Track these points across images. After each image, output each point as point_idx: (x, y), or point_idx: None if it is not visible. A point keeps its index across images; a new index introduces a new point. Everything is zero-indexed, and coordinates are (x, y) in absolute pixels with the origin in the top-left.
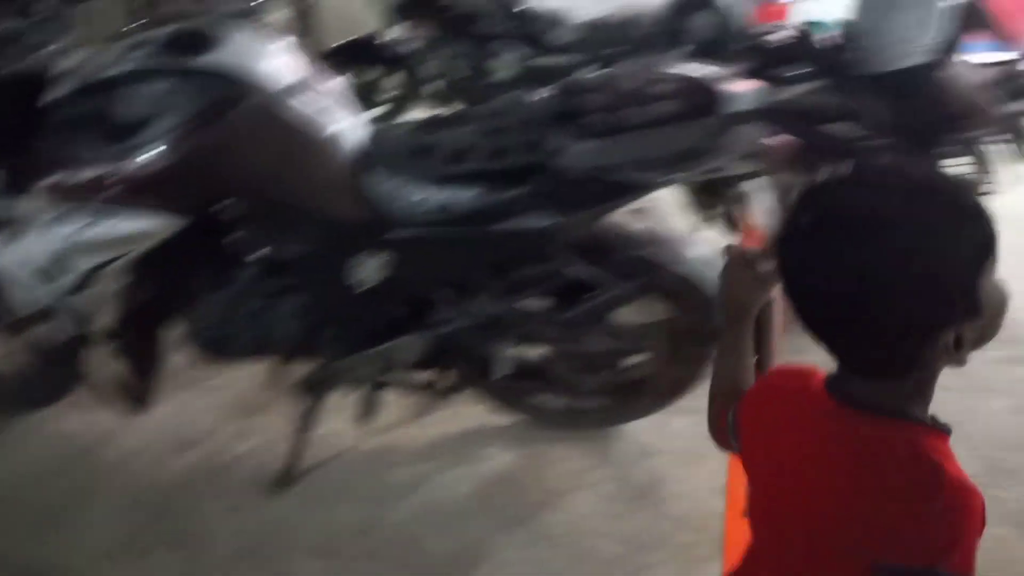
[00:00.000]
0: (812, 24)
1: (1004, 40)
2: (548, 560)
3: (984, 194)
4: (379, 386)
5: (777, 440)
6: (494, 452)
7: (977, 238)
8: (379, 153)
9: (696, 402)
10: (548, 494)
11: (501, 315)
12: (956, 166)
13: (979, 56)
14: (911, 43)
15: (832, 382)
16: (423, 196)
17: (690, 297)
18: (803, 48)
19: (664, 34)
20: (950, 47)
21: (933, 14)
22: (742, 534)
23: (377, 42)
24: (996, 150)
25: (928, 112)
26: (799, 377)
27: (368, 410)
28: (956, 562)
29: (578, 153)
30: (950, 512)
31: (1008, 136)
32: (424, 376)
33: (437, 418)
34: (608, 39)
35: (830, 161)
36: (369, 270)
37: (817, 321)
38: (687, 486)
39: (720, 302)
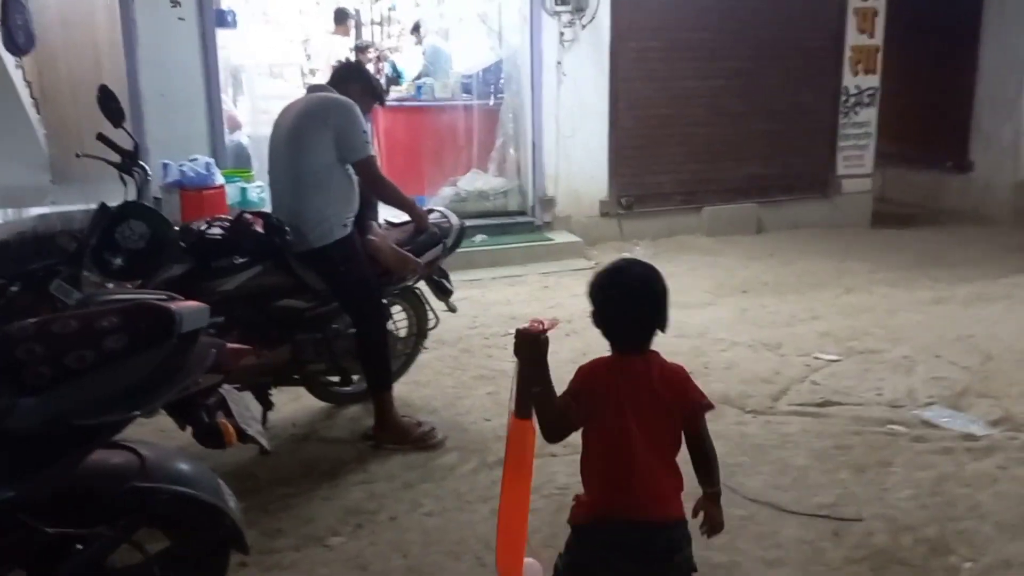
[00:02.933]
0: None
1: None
2: None
3: (430, 328)
4: None
5: (609, 391)
6: None
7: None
8: None
9: None
10: None
11: None
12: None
13: (388, 217)
14: (334, 218)
15: (618, 353)
16: None
17: (190, 513)
18: (239, 237)
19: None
20: (370, 213)
21: (354, 189)
22: None
23: None
24: (425, 291)
25: (366, 271)
26: (599, 362)
27: None
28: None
29: (27, 409)
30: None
31: (430, 279)
32: None
33: None
34: (31, 255)
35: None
36: None
37: (619, 331)
38: None
39: (526, 372)
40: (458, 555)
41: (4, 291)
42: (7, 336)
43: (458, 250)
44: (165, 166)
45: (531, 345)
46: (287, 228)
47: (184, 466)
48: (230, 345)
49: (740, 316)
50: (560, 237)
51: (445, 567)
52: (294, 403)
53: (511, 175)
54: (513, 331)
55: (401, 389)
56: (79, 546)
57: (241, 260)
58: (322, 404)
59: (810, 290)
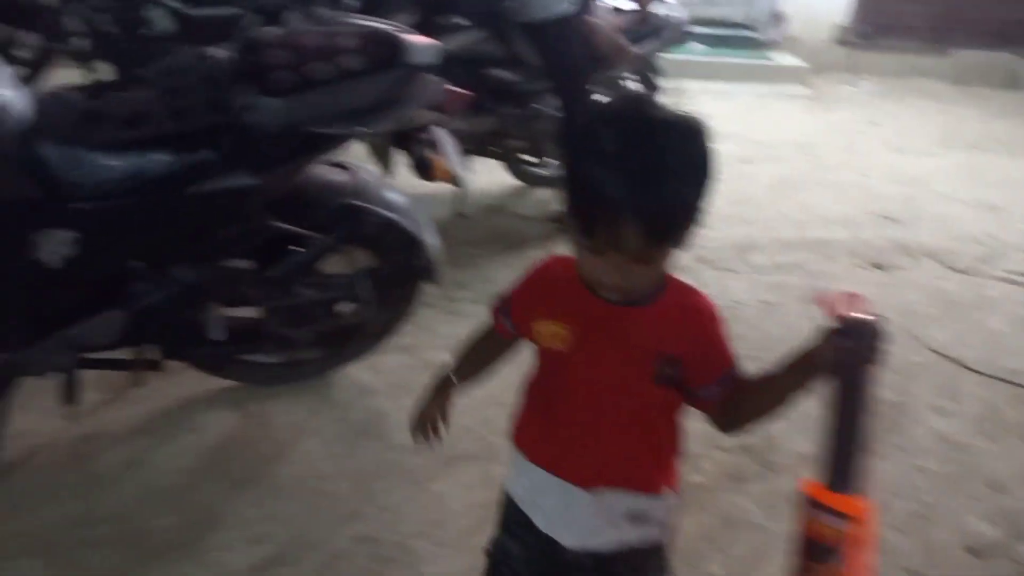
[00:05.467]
0: None
1: None
2: (284, 511)
3: None
4: (78, 369)
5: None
6: (212, 418)
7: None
8: (51, 120)
9: (404, 340)
10: (275, 448)
11: (204, 280)
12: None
13: (610, 3)
14: None
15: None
16: (106, 164)
17: (393, 239)
18: None
19: None
20: None
21: None
22: None
23: None
24: (632, 86)
25: (579, 54)
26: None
27: (70, 397)
28: None
29: (268, 110)
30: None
31: (640, 73)
32: (127, 352)
33: (144, 394)
34: None
35: (497, 104)
36: (49, 249)
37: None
38: (405, 416)
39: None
40: None
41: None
42: (257, 40)
43: (670, 56)
44: None
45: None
46: None
47: (396, 197)
48: (451, 88)
49: (964, 171)
50: (783, 59)
51: None
52: (491, 176)
53: None
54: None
55: None
56: (295, 248)
57: (464, 21)
58: (515, 182)
59: None
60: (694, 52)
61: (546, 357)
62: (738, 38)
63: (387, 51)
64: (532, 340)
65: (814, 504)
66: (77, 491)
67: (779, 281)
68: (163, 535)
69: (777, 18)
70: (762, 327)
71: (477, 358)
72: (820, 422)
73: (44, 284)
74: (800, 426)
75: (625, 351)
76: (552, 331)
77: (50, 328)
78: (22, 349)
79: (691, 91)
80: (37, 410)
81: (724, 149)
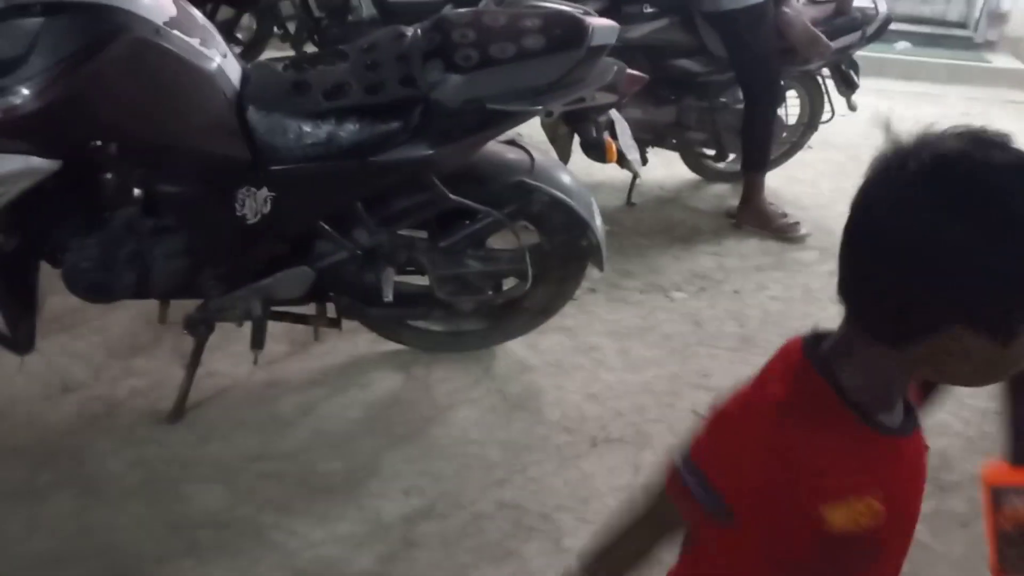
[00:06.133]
0: None
1: None
2: (437, 469)
3: (823, 122)
4: (265, 319)
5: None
6: (379, 377)
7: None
8: (259, 89)
9: (566, 321)
10: (433, 411)
11: (382, 245)
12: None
13: None
14: None
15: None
16: (303, 131)
17: (562, 220)
18: None
19: None
20: None
21: None
22: None
23: None
24: (825, 82)
25: (769, 46)
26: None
27: (256, 343)
28: None
29: (454, 86)
30: None
31: (836, 69)
32: (308, 307)
33: (322, 349)
34: None
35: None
36: (249, 206)
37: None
38: (559, 394)
39: None
40: None
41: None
42: (447, 20)
43: (871, 53)
44: None
45: None
46: None
47: (567, 178)
48: (629, 71)
49: None
50: (1001, 61)
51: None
52: (666, 168)
53: None
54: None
55: (775, 179)
56: (467, 221)
57: (651, 10)
58: (691, 175)
59: None
60: (897, 51)
61: (829, 549)
62: (949, 37)
63: (569, 32)
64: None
65: (1003, 490)
66: (257, 429)
67: None
68: (328, 477)
69: (997, 17)
70: None
71: (630, 549)
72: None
73: (243, 239)
74: (975, 446)
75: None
76: (858, 508)
77: (246, 279)
78: (221, 297)
79: (892, 91)
80: (228, 354)
81: None
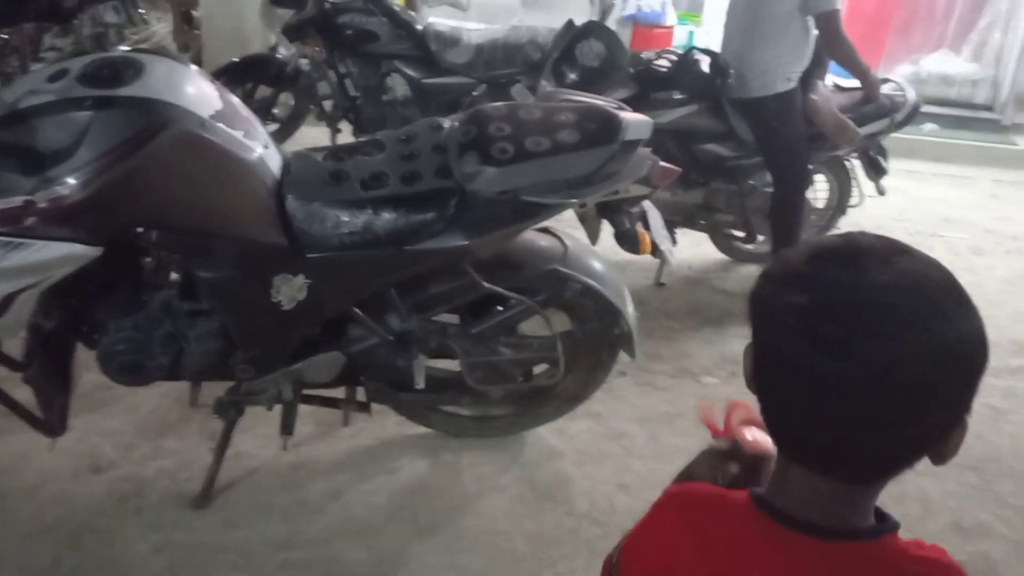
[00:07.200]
0: (685, 48)
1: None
2: (464, 563)
3: (851, 206)
4: (295, 402)
5: None
6: (407, 462)
7: (981, 333)
8: (298, 178)
9: (595, 406)
10: (461, 499)
11: (414, 331)
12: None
13: (835, 80)
14: (781, 69)
15: (765, 499)
16: (340, 219)
17: (594, 307)
18: (682, 74)
19: (553, 59)
20: (819, 72)
21: (808, 44)
22: None
23: (269, 60)
24: (853, 166)
25: (796, 132)
26: (699, 504)
27: (287, 428)
28: None
29: (489, 178)
30: None
31: (864, 154)
32: (338, 391)
33: (350, 432)
34: (499, 61)
35: (708, 177)
36: (285, 293)
37: (806, 429)
38: (589, 484)
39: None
40: None
41: (471, 91)
42: (485, 114)
43: (900, 135)
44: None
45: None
46: (731, 71)
47: (599, 266)
48: (662, 163)
49: None
50: None
51: None
52: (695, 248)
53: (988, 63)
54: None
55: None
56: (499, 308)
57: (679, 96)
58: (720, 256)
59: None
60: (924, 132)
61: None
62: (977, 120)
63: (603, 127)
64: None
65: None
66: (283, 515)
67: (1012, 387)
68: (355, 568)
69: (1023, 101)
70: (989, 436)
71: None
72: None
73: (277, 324)
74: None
75: None
76: None
77: (278, 364)
78: (254, 380)
79: (921, 173)
80: (257, 436)
81: (955, 238)
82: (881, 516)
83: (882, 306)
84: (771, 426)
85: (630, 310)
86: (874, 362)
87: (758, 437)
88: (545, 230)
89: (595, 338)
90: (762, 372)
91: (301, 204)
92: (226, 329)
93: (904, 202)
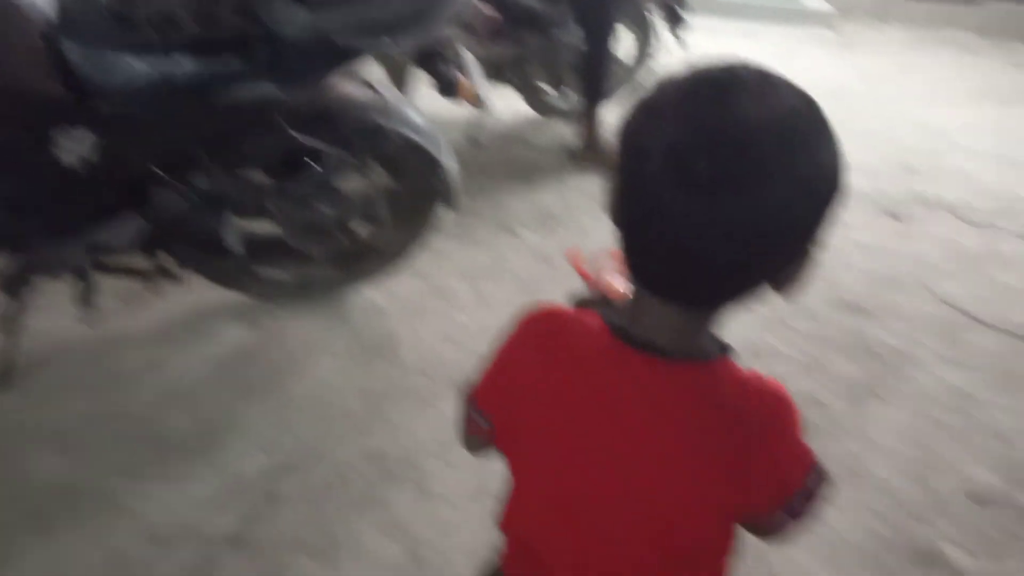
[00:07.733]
0: None
1: None
2: (295, 422)
3: (649, 59)
4: (94, 272)
5: (560, 410)
6: (228, 330)
7: (841, 167)
8: (75, 19)
9: (419, 264)
10: (288, 362)
11: (224, 191)
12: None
13: None
14: None
15: (619, 326)
16: (132, 66)
17: (414, 162)
18: None
19: None
20: None
21: None
22: None
23: None
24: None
25: None
26: (556, 326)
27: (86, 300)
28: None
29: (296, 20)
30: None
31: (666, 7)
32: (145, 259)
33: (164, 304)
34: None
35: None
36: (68, 148)
37: (655, 255)
38: (416, 338)
39: None
40: None
41: None
42: None
43: None
44: None
45: None
46: None
47: (419, 118)
48: (484, 11)
49: (990, 125)
50: (810, 2)
51: None
52: (505, 105)
53: None
54: None
55: (613, 115)
56: (315, 164)
57: None
58: (533, 115)
59: None
60: None
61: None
62: None
63: None
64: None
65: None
66: (97, 389)
67: None
68: (179, 436)
69: None
70: None
71: None
72: None
73: (63, 184)
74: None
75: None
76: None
77: (68, 229)
78: (40, 249)
79: (716, 30)
80: (56, 312)
81: None
82: (723, 347)
83: (753, 145)
84: (629, 258)
85: (450, 163)
86: (741, 201)
87: (623, 287)
88: (362, 81)
89: (416, 193)
90: (626, 204)
91: (82, 49)
92: (6, 193)
93: (701, 56)
